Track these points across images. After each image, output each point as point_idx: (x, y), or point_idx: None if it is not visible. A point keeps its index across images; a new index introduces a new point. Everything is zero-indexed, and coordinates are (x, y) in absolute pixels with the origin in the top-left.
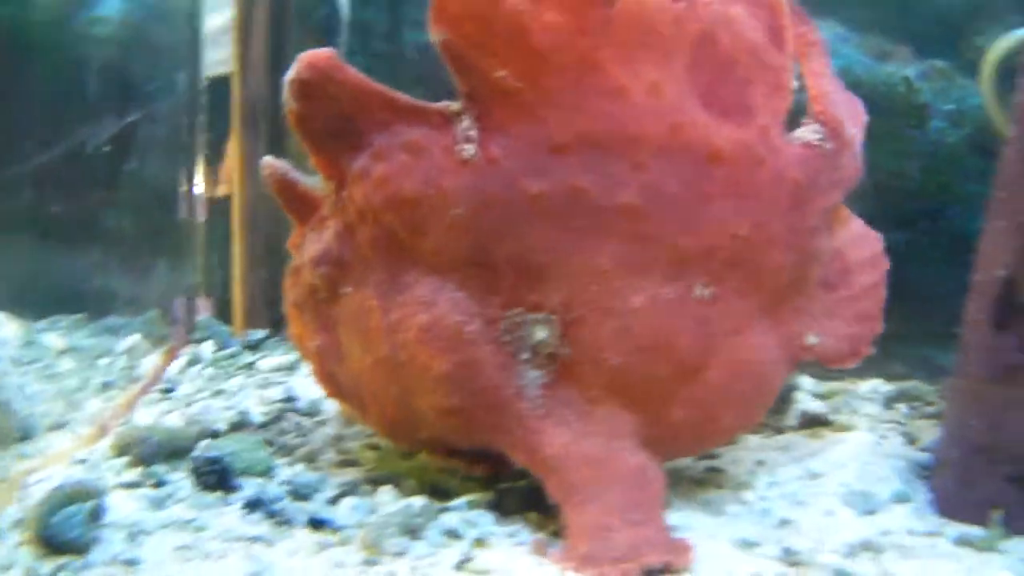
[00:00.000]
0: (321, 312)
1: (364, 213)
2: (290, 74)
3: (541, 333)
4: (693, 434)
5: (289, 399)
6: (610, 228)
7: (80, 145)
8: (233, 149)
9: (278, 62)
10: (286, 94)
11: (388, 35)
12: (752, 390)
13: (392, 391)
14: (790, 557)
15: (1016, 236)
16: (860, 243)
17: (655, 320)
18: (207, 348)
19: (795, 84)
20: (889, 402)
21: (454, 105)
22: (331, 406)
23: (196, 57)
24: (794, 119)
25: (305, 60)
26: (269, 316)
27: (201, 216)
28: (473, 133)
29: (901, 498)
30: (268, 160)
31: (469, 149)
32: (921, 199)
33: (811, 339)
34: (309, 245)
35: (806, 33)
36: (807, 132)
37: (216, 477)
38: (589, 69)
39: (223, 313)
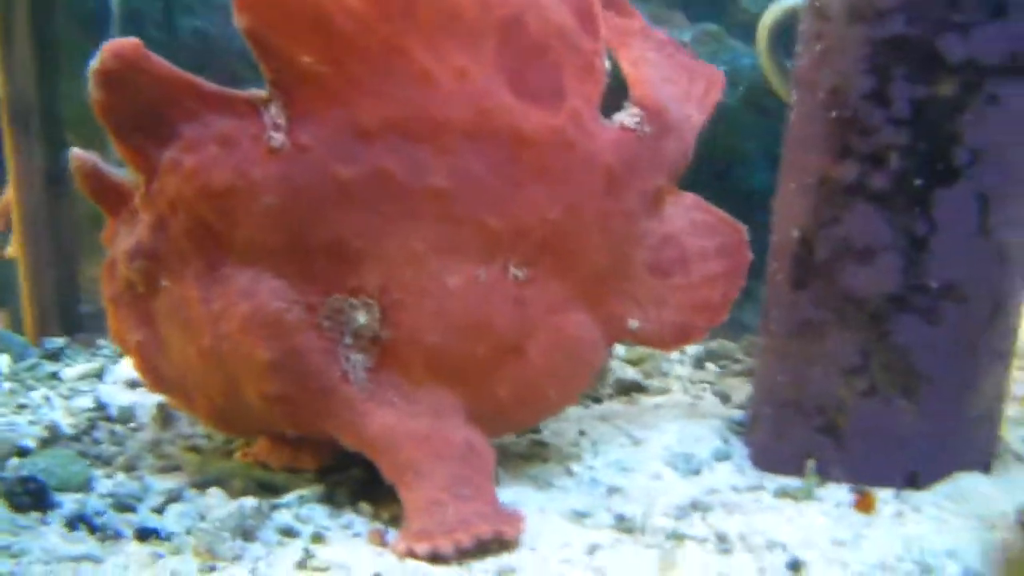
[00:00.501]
0: (139, 306)
1: (176, 205)
2: (94, 64)
3: (361, 317)
4: (520, 410)
5: (99, 407)
6: (421, 211)
7: None
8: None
9: (46, 57)
10: (90, 84)
11: (161, 23)
12: (573, 367)
13: (218, 381)
14: (623, 524)
15: (806, 197)
16: (705, 231)
17: (471, 301)
18: (3, 361)
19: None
20: (699, 362)
21: (261, 93)
22: (145, 411)
23: None
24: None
25: (110, 49)
26: (64, 323)
27: None
28: (281, 121)
29: (721, 456)
30: (75, 152)
31: (277, 137)
32: (707, 160)
33: (632, 323)
34: (122, 239)
35: (625, 22)
36: (624, 116)
37: (31, 497)
38: (393, 54)
39: (18, 324)
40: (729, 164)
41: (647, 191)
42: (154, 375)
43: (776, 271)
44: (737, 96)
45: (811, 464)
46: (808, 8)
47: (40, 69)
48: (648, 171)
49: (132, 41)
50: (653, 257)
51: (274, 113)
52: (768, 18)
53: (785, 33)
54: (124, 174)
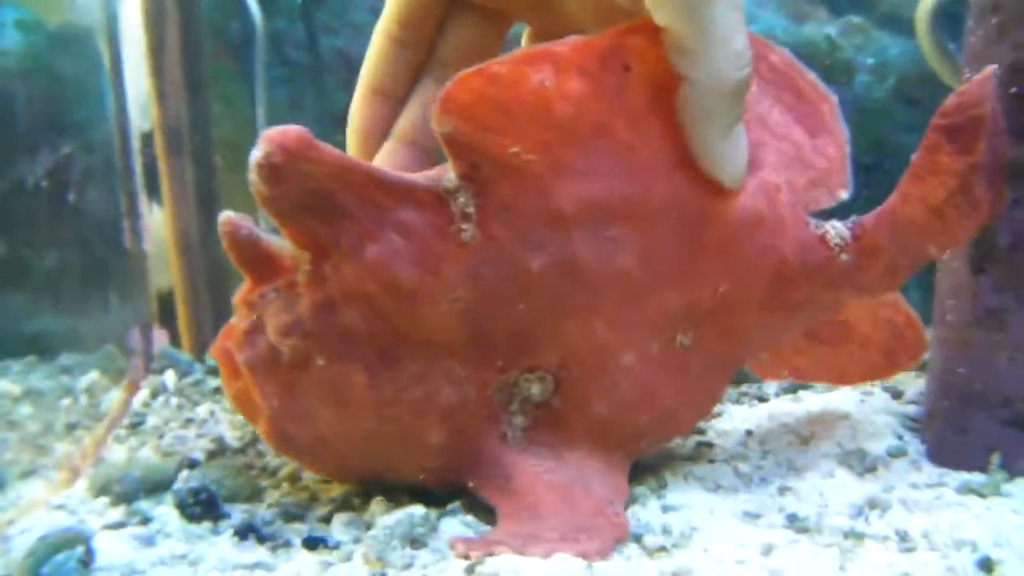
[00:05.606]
0: (282, 377)
1: (354, 294)
2: (257, 156)
3: (535, 389)
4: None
5: None
6: (605, 294)
7: (10, 184)
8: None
9: (195, 81)
10: (252, 175)
11: (304, 44)
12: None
13: (371, 458)
14: (797, 524)
15: None
16: (884, 326)
17: (641, 376)
18: (169, 377)
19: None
20: None
21: (446, 183)
22: None
23: (120, 82)
24: None
25: (274, 142)
26: None
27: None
28: (471, 211)
29: (896, 452)
30: (228, 216)
31: (468, 229)
32: (856, 154)
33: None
34: (275, 313)
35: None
36: (833, 228)
37: (202, 507)
38: (601, 133)
39: (177, 343)
40: (879, 157)
41: (815, 301)
42: (283, 440)
43: (952, 258)
44: (886, 88)
45: (996, 458)
46: None
47: (190, 92)
48: (822, 287)
49: (296, 131)
50: (813, 330)
51: (463, 203)
52: (926, 3)
53: (945, 16)
54: (280, 243)
